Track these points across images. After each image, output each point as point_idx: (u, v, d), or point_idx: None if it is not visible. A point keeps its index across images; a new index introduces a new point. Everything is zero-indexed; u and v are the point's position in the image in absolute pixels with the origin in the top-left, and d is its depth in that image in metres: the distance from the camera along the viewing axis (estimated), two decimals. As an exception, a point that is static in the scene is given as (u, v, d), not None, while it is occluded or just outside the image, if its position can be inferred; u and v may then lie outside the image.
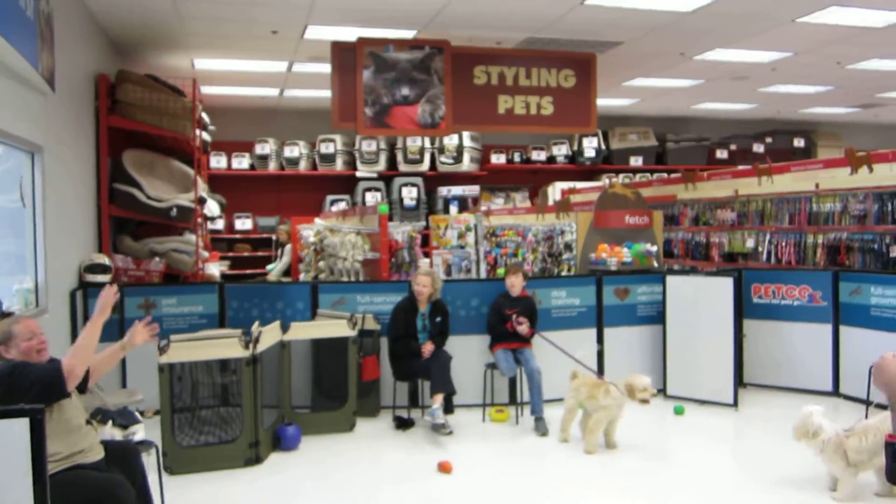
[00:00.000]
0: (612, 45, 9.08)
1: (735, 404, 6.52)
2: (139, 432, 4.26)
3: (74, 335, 6.34)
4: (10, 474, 2.24)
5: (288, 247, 11.37)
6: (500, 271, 8.37)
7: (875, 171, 7.44)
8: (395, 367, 6.26)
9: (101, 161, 7.38)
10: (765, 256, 8.34)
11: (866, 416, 5.68)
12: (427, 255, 8.33)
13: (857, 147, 8.38)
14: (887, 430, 4.33)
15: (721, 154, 14.89)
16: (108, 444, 3.66)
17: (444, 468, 5.13)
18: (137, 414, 4.57)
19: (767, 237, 8.35)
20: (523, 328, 6.19)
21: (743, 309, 7.12)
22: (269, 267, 11.84)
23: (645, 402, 5.35)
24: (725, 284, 6.58)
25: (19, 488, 2.23)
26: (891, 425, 4.32)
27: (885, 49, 9.20)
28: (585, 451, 5.50)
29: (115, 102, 7.49)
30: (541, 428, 5.99)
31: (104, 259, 6.79)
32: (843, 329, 6.79)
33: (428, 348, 6.05)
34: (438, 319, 6.28)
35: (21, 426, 2.25)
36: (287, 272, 11.25)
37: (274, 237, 12.13)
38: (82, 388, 3.65)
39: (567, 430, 5.78)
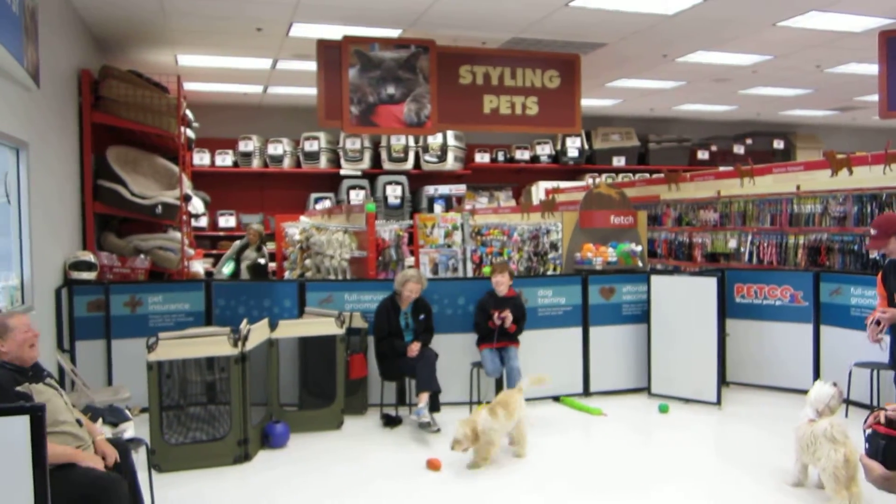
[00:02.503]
0: (595, 47, 9.16)
1: (718, 402, 6.61)
2: (129, 430, 4.25)
3: (60, 333, 6.31)
4: (12, 470, 2.25)
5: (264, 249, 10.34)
6: (486, 270, 8.41)
7: (854, 173, 7.57)
8: (382, 366, 6.28)
9: (84, 157, 7.32)
10: (747, 257, 8.45)
11: (846, 416, 5.81)
12: (413, 253, 8.34)
13: (835, 149, 8.54)
14: (822, 431, 4.41)
15: (702, 155, 15.06)
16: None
17: (432, 465, 5.16)
18: (127, 411, 4.55)
19: (749, 238, 8.47)
20: (507, 320, 6.20)
21: (726, 308, 7.21)
22: (225, 271, 10.34)
23: None
24: (709, 284, 6.66)
25: (21, 483, 2.24)
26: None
27: (863, 53, 9.36)
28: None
29: (98, 98, 7.42)
30: None
31: (89, 256, 6.73)
32: (823, 329, 6.91)
33: (415, 347, 6.07)
34: (422, 317, 6.31)
35: (22, 423, 2.26)
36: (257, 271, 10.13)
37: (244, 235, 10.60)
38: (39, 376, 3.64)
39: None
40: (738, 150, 15.08)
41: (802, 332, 6.99)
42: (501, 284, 6.38)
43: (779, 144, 15.53)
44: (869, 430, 4.20)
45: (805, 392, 6.54)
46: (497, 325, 6.22)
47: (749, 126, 15.83)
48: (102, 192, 7.40)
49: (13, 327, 3.48)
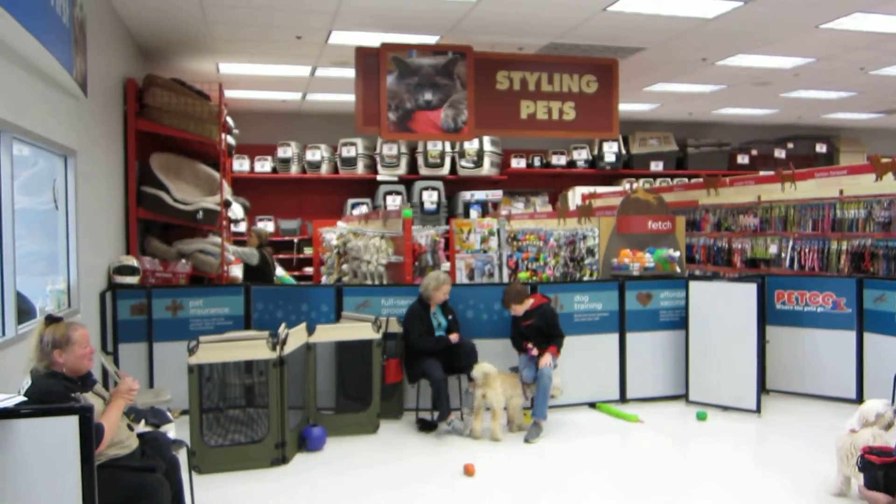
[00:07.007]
0: (633, 51, 9.10)
1: (758, 410, 6.50)
2: (170, 431, 4.34)
3: (104, 336, 6.46)
4: (61, 469, 2.32)
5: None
6: (522, 275, 8.41)
7: (900, 177, 7.41)
8: (410, 367, 6.34)
9: (129, 164, 7.49)
10: (787, 263, 8.31)
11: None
12: (449, 258, 8.37)
13: (879, 153, 8.35)
14: (863, 442, 4.34)
15: (742, 159, 14.84)
16: (143, 435, 3.77)
17: (468, 471, 5.18)
18: (168, 413, 4.65)
19: (790, 243, 8.32)
20: (534, 352, 6.19)
21: (766, 315, 7.10)
22: (284, 277, 10.17)
23: None
24: (749, 290, 6.57)
25: (69, 482, 2.31)
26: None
27: (910, 55, 9.17)
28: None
29: (142, 106, 7.59)
30: (533, 433, 5.95)
31: (132, 261, 6.89)
32: (867, 336, 6.76)
33: (454, 337, 6.25)
34: (450, 317, 6.42)
35: (71, 423, 2.33)
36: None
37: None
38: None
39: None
40: (780, 154, 14.82)
41: (845, 339, 6.85)
42: (517, 312, 6.29)
43: (821, 148, 15.22)
44: (859, 460, 4.08)
45: (847, 401, 6.44)
46: (531, 351, 6.21)
47: (790, 130, 15.56)
48: (146, 197, 7.57)
49: (75, 341, 3.48)
